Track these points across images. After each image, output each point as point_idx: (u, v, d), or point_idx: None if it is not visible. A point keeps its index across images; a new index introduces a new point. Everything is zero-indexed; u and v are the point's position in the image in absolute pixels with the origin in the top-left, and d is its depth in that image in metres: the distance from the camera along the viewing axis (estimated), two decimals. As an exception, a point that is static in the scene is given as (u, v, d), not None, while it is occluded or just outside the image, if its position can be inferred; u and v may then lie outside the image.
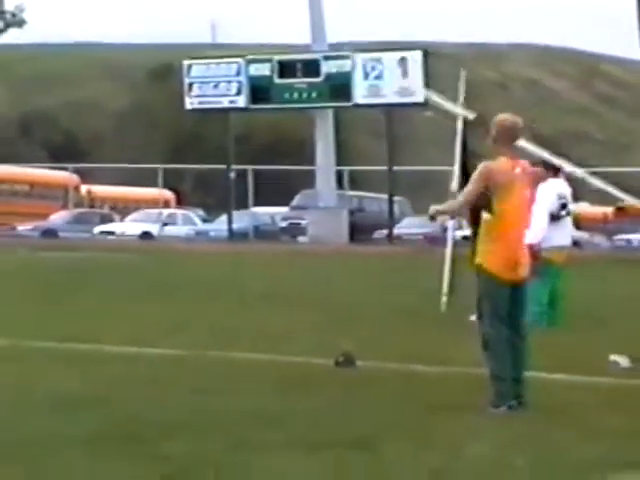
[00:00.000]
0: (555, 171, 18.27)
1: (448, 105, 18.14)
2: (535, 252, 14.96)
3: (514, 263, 11.92)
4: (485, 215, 11.99)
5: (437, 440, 10.17)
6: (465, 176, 13.36)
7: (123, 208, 71.41)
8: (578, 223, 22.16)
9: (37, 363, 15.00)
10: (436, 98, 20.50)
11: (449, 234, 16.55)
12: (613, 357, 14.94)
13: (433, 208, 12.23)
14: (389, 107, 63.45)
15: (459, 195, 12.93)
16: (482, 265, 12.02)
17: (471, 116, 18.78)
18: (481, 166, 11.99)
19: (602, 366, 14.50)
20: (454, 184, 15.03)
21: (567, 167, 18.56)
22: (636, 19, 51.43)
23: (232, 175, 65.54)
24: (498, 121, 12.14)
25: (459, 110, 17.25)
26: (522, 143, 13.76)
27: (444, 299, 22.38)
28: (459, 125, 16.26)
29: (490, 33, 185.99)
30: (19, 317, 20.43)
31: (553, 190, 17.86)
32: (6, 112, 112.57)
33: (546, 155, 18.02)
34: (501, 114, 12.37)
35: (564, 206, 18.22)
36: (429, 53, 62.75)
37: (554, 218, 17.70)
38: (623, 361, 14.82)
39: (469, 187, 12.10)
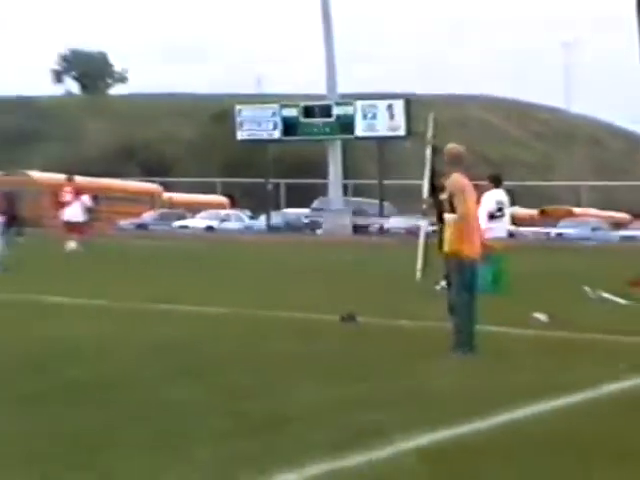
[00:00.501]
0: (496, 184, 18.84)
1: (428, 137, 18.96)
2: (483, 240, 14.83)
3: (476, 247, 12.87)
4: (448, 216, 12.78)
5: (415, 372, 11.16)
6: (432, 186, 14.34)
7: (193, 209, 72.55)
8: (514, 221, 23.04)
9: (134, 318, 16.00)
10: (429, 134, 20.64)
11: (422, 228, 16.53)
12: (536, 315, 15.76)
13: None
14: (380, 139, 69.96)
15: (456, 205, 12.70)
16: (454, 249, 12.70)
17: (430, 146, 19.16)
18: (455, 181, 12.81)
19: (524, 319, 15.38)
20: (425, 192, 15.30)
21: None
22: (636, 24, 46.34)
23: (269, 187, 71.69)
24: (447, 149, 13.23)
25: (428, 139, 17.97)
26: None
27: (418, 273, 22.52)
28: (428, 152, 16.61)
29: (454, 85, 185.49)
30: (125, 285, 21.37)
31: (493, 197, 18.47)
32: (112, 142, 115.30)
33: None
34: (449, 144, 13.35)
35: (500, 209, 18.55)
36: (409, 101, 69.01)
37: (492, 217, 18.11)
38: (543, 317, 15.71)
39: (453, 195, 12.73)
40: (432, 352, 12.43)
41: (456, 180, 12.90)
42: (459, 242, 12.75)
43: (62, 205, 38.16)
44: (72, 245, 35.74)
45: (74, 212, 37.39)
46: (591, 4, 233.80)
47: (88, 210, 38.81)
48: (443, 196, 13.08)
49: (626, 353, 12.93)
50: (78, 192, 38.79)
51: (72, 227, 37.03)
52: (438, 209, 13.71)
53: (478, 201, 14.76)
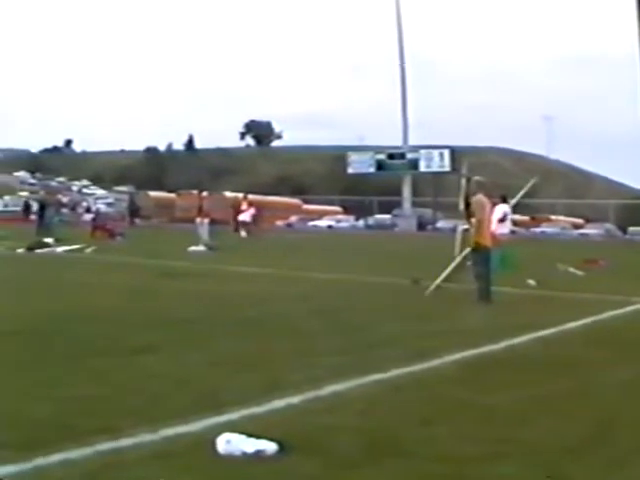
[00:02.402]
0: (503, 200, 18.46)
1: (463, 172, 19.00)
2: (494, 235, 14.72)
3: (489, 239, 12.91)
4: (472, 220, 12.74)
5: (454, 315, 11.06)
6: (465, 203, 14.22)
7: (320, 215, 73.47)
8: (514, 223, 22.63)
9: (286, 281, 15.99)
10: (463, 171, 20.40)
11: (458, 228, 16.33)
12: (529, 280, 15.62)
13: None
14: (435, 173, 68.23)
15: (476, 214, 12.69)
16: (481, 243, 12.64)
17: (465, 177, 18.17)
18: (480, 200, 12.79)
19: (520, 284, 14.97)
20: (460, 206, 15.14)
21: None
22: (636, 25, 40.67)
23: (367, 201, 71.02)
24: (474, 180, 13.23)
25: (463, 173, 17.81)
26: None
27: (456, 254, 22.75)
28: (463, 182, 16.42)
29: (476, 139, 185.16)
30: (280, 260, 20.78)
31: (501, 209, 17.92)
32: (273, 175, 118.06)
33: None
34: (476, 177, 13.46)
35: (505, 215, 18.20)
36: (454, 150, 68.30)
37: (501, 220, 17.64)
38: (533, 282, 15.48)
39: (477, 209, 12.67)
40: (465, 303, 12.30)
41: (479, 199, 12.87)
42: (478, 236, 12.72)
43: (240, 212, 39.33)
44: (243, 234, 36.54)
45: (246, 216, 38.56)
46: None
47: (254, 215, 40.04)
48: (470, 208, 12.93)
49: (581, 303, 12.87)
50: (250, 204, 40.08)
51: (244, 224, 38.02)
52: (468, 216, 13.13)
53: (492, 211, 14.35)
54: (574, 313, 11.20)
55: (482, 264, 12.71)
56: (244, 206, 40.19)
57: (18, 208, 60.05)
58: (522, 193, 17.68)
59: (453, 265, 14.54)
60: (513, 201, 18.31)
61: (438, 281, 13.94)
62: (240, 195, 45.60)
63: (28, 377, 6.30)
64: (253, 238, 35.02)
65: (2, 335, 8.21)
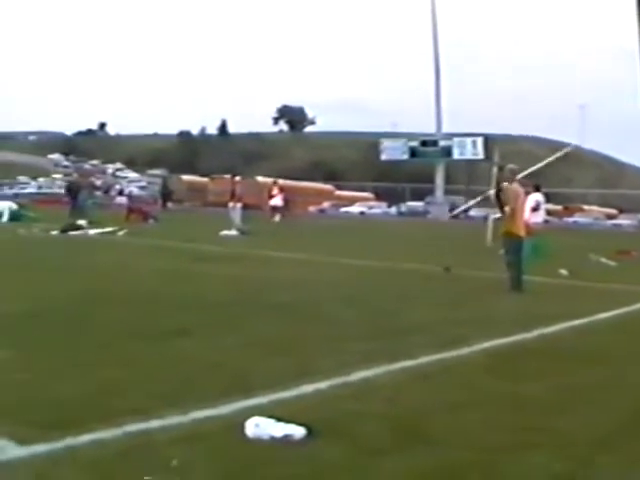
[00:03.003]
0: (536, 189, 18.50)
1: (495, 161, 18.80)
2: (527, 224, 14.36)
3: (521, 229, 12.78)
4: (506, 209, 12.55)
5: (486, 303, 11.10)
6: (497, 191, 14.11)
7: (353, 201, 73.53)
8: (548, 213, 22.47)
9: (318, 266, 16.05)
10: (495, 159, 20.34)
11: (490, 216, 16.12)
12: (561, 270, 15.60)
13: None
14: (468, 161, 68.92)
15: (509, 203, 12.56)
16: (514, 232, 12.58)
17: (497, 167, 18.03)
18: (515, 189, 12.69)
19: (553, 274, 15.04)
20: (492, 195, 15.02)
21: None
22: (636, 25, 39.91)
23: (399, 188, 71.71)
24: (509, 168, 13.11)
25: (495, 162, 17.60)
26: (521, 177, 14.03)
27: (488, 242, 22.33)
28: (494, 169, 16.01)
29: (510, 127, 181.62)
30: (312, 246, 20.77)
31: (534, 198, 17.87)
32: (306, 160, 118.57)
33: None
34: (509, 164, 13.34)
35: (539, 204, 18.17)
36: (487, 138, 68.13)
37: (534, 210, 17.53)
38: (565, 272, 15.50)
39: (511, 198, 12.53)
40: (497, 291, 12.25)
41: (515, 188, 12.79)
42: (511, 225, 12.64)
43: (271, 197, 39.40)
44: (276, 219, 36.40)
45: (277, 201, 38.44)
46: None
47: (285, 200, 39.98)
48: (503, 197, 12.76)
49: (613, 293, 12.85)
50: (281, 189, 40.08)
51: (275, 209, 37.98)
52: (500, 205, 12.93)
53: (525, 200, 14.21)
54: (606, 303, 11.11)
55: (514, 253, 12.62)
56: (275, 191, 40.39)
57: (51, 190, 60.72)
58: (555, 157, 17.51)
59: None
60: (492, 189, 18.10)
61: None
62: (271, 180, 45.80)
63: (60, 358, 6.36)
64: (285, 223, 35.16)
65: (36, 316, 8.26)
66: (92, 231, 23.57)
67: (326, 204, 70.44)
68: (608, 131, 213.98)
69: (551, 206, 44.92)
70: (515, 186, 12.82)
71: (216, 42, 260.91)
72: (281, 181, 45.37)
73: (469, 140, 68.67)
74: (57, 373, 5.85)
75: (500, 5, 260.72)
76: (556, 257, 17.53)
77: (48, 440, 4.27)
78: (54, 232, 22.81)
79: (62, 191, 53.12)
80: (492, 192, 15.50)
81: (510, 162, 14.31)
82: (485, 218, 24.77)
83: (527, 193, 15.26)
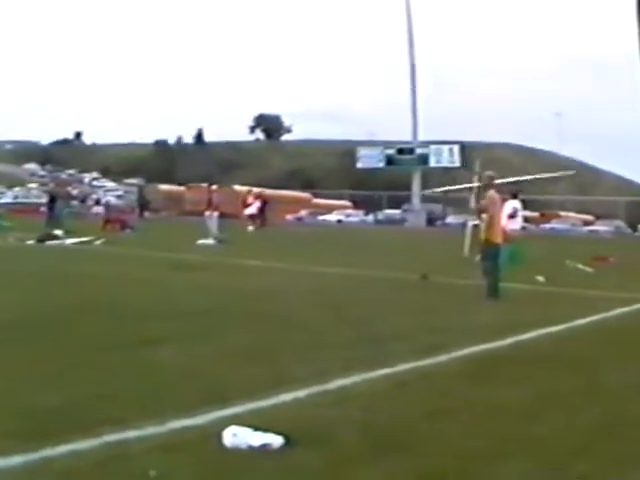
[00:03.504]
0: (514, 196, 18.46)
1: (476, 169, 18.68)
2: (504, 231, 14.24)
3: (499, 236, 12.73)
4: (484, 215, 12.67)
5: (463, 310, 11.10)
6: (476, 199, 14.09)
7: (330, 209, 73.48)
8: (525, 219, 22.37)
9: (295, 275, 16.02)
10: (476, 168, 20.36)
11: (468, 224, 15.97)
12: (537, 277, 15.61)
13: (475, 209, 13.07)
14: (444, 169, 70.26)
15: (487, 209, 12.65)
16: (490, 239, 12.56)
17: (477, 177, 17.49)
18: (491, 196, 12.72)
19: (530, 280, 15.03)
20: (471, 202, 14.96)
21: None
22: (636, 25, 39.65)
23: (376, 196, 71.94)
24: (486, 175, 13.25)
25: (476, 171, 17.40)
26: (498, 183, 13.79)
27: (466, 250, 21.89)
28: (475, 178, 15.83)
29: (486, 134, 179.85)
30: (289, 255, 20.70)
31: (511, 204, 17.93)
32: (283, 168, 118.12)
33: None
34: (486, 171, 13.50)
35: (516, 211, 18.19)
36: (464, 146, 69.26)
37: (511, 217, 17.57)
38: (542, 279, 15.53)
39: (487, 204, 12.62)
40: (474, 299, 12.26)
41: (491, 195, 12.82)
42: (489, 232, 12.63)
43: (246, 206, 39.53)
44: (250, 228, 36.67)
45: (252, 209, 39.26)
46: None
47: (260, 208, 40.41)
48: (481, 204, 12.89)
49: (590, 300, 12.83)
50: (256, 197, 40.33)
51: (251, 218, 38.27)
52: (479, 212, 13.10)
53: (502, 207, 14.25)
54: (583, 310, 11.14)
55: (491, 260, 12.64)
56: (250, 199, 40.57)
57: (27, 200, 60.23)
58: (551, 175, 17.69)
59: None
60: (472, 196, 18.20)
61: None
62: (246, 188, 46.07)
63: (36, 368, 6.32)
64: (260, 231, 35.11)
65: (11, 326, 8.21)
66: (69, 241, 23.41)
67: (303, 212, 70.35)
68: (584, 138, 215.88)
69: (528, 213, 45.32)
70: (492, 193, 12.87)
71: (192, 51, 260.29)
72: (257, 189, 45.52)
73: (446, 148, 69.12)
74: (33, 383, 5.81)
75: (478, 14, 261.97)
76: (533, 264, 17.58)
77: (25, 451, 4.23)
78: (30, 242, 22.64)
79: (38, 201, 52.92)
80: (472, 200, 15.50)
81: (487, 170, 14.37)
82: (463, 225, 24.77)
83: (504, 200, 15.30)
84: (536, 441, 4.86)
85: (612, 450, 4.76)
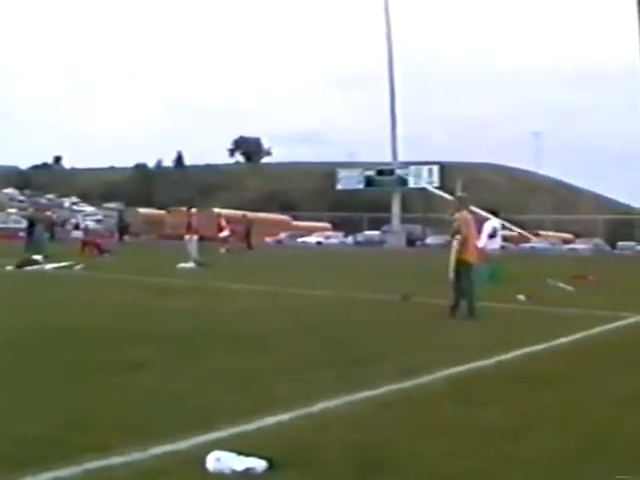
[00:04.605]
0: (494, 214, 19.02)
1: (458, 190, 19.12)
2: (484, 251, 15.32)
3: (474, 256, 12.88)
4: (458, 237, 12.62)
5: (445, 330, 11.29)
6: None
7: (310, 231, 73.59)
8: (504, 238, 22.55)
9: (276, 297, 15.96)
10: (458, 191, 20.79)
11: (453, 244, 16.13)
12: (518, 295, 15.69)
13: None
14: (423, 189, 69.60)
15: (460, 230, 12.63)
16: (466, 259, 12.59)
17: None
18: (464, 216, 12.78)
19: (510, 299, 15.21)
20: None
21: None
22: (637, 24, 39.57)
23: (356, 218, 72.53)
24: (457, 196, 13.28)
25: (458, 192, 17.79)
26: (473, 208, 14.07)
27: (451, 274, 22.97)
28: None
29: (469, 155, 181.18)
30: (269, 277, 20.86)
31: (491, 224, 18.31)
32: (263, 190, 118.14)
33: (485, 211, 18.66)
34: (457, 192, 13.80)
35: (495, 231, 18.38)
36: (443, 167, 69.77)
37: (490, 236, 17.85)
38: (522, 297, 15.62)
39: (460, 226, 12.60)
40: (454, 318, 12.34)
41: (464, 216, 12.87)
42: (463, 253, 12.63)
43: (221, 229, 40.67)
44: (222, 250, 37.29)
45: (225, 233, 40.37)
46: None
47: (231, 231, 41.73)
48: (453, 227, 12.85)
49: (571, 318, 12.90)
50: (228, 221, 42.02)
51: (224, 241, 39.38)
52: (452, 234, 12.99)
53: (479, 228, 14.31)
54: (564, 328, 11.19)
55: (467, 280, 12.67)
56: (223, 223, 40.97)
57: (6, 225, 59.89)
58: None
59: None
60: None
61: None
62: (220, 211, 46.71)
63: (15, 393, 6.28)
64: (234, 254, 35.34)
65: (-10, 352, 8.14)
66: (48, 266, 23.27)
67: (283, 235, 70.52)
68: (562, 157, 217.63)
69: (508, 232, 45.69)
70: (464, 214, 12.91)
71: (171, 74, 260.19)
72: (240, 212, 46.18)
73: (425, 168, 69.79)
74: (14, 409, 5.76)
75: (455, 34, 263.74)
76: (514, 282, 17.69)
77: (5, 479, 4.18)
78: (9, 267, 22.48)
79: (17, 226, 52.68)
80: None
81: (469, 191, 14.50)
82: (443, 246, 24.82)
83: (477, 220, 15.21)
84: (521, 461, 4.86)
85: (598, 468, 4.76)
